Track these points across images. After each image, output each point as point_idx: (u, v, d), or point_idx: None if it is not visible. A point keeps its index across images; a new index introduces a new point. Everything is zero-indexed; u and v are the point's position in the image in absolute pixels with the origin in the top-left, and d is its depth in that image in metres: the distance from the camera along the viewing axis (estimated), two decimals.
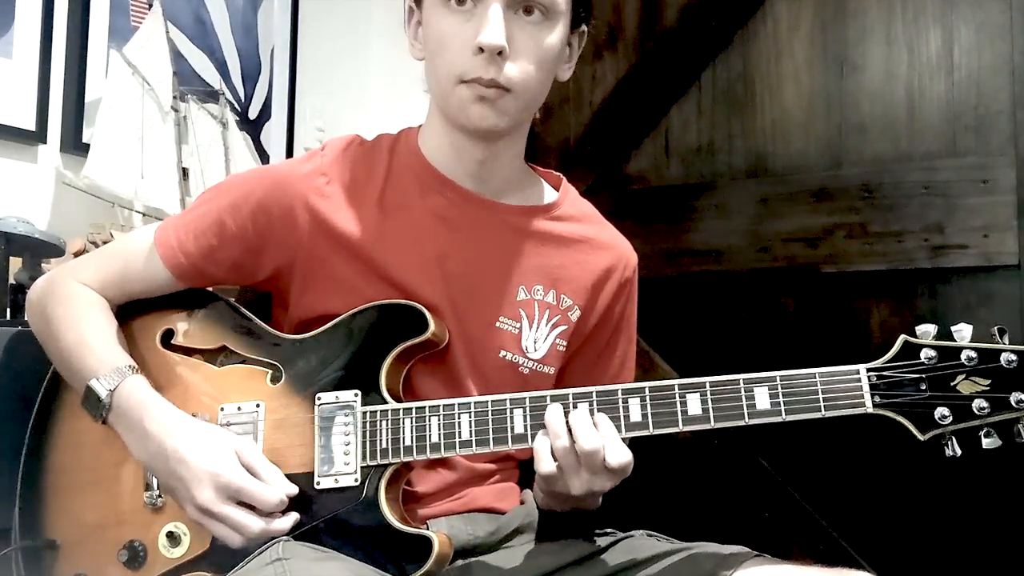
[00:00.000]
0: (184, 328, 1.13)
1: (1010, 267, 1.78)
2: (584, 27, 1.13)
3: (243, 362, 1.10)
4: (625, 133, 2.15)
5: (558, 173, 1.21)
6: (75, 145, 1.80)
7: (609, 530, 1.10)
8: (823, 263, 1.93)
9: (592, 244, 1.17)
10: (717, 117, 2.07)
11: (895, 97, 1.91)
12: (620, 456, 0.93)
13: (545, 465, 0.94)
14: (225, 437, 1.02)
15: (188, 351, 1.12)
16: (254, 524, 0.97)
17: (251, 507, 0.98)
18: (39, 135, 1.75)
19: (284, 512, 1.00)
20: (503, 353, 1.10)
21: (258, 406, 1.05)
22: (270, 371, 1.08)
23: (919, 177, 1.86)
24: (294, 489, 1.00)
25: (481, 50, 0.99)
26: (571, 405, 0.97)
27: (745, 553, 1.01)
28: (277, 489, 0.99)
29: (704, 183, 2.07)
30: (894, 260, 1.87)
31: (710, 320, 2.03)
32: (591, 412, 0.96)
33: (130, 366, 1.06)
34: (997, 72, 1.82)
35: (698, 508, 1.95)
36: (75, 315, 1.11)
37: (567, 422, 0.94)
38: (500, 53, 1.00)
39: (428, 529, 1.01)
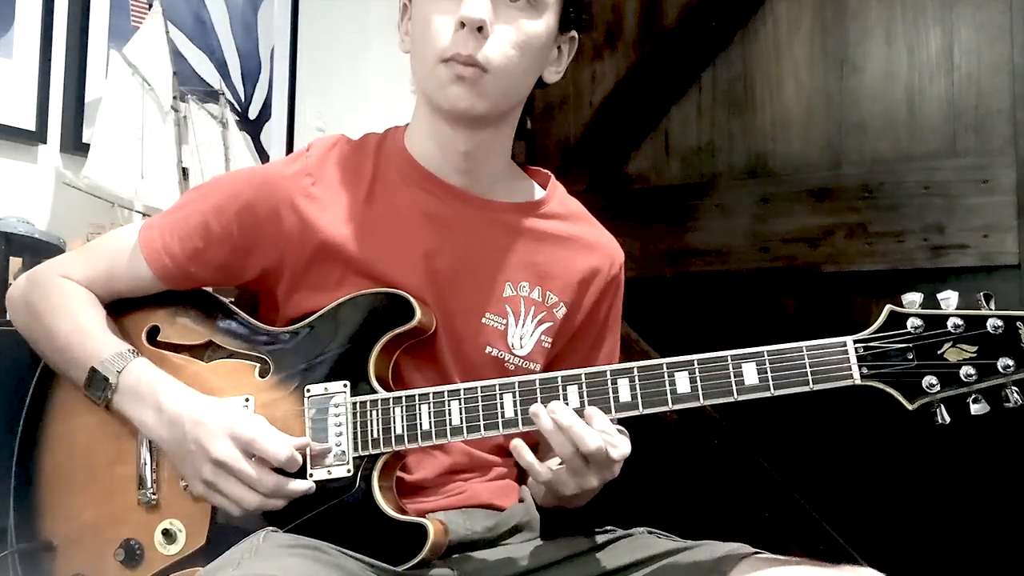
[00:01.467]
0: (170, 324, 1.12)
1: (1010, 267, 1.78)
2: (575, 32, 1.13)
3: (230, 356, 1.10)
4: (625, 133, 2.15)
5: (546, 171, 1.22)
6: (75, 145, 1.80)
7: (610, 528, 1.10)
8: (823, 263, 1.93)
9: (579, 242, 1.17)
10: (717, 117, 2.07)
11: (895, 97, 1.91)
12: (623, 449, 0.95)
13: (543, 474, 0.95)
14: (236, 404, 1.04)
15: (175, 347, 1.12)
16: (268, 479, 0.98)
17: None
18: (39, 135, 1.75)
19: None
20: (489, 349, 1.10)
21: (247, 400, 1.05)
22: (258, 365, 1.08)
23: (919, 177, 1.86)
24: (304, 440, 1.01)
25: (463, 25, 1.00)
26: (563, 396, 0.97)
27: (745, 550, 1.01)
28: (286, 443, 1.00)
29: (704, 183, 2.07)
30: (894, 260, 1.87)
31: (710, 320, 2.03)
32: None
33: (130, 350, 1.07)
34: (997, 72, 1.82)
35: (698, 507, 1.94)
36: (68, 305, 1.11)
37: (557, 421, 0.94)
38: (481, 30, 1.00)
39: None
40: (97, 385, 1.05)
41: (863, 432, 1.76)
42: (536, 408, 0.95)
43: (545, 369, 1.15)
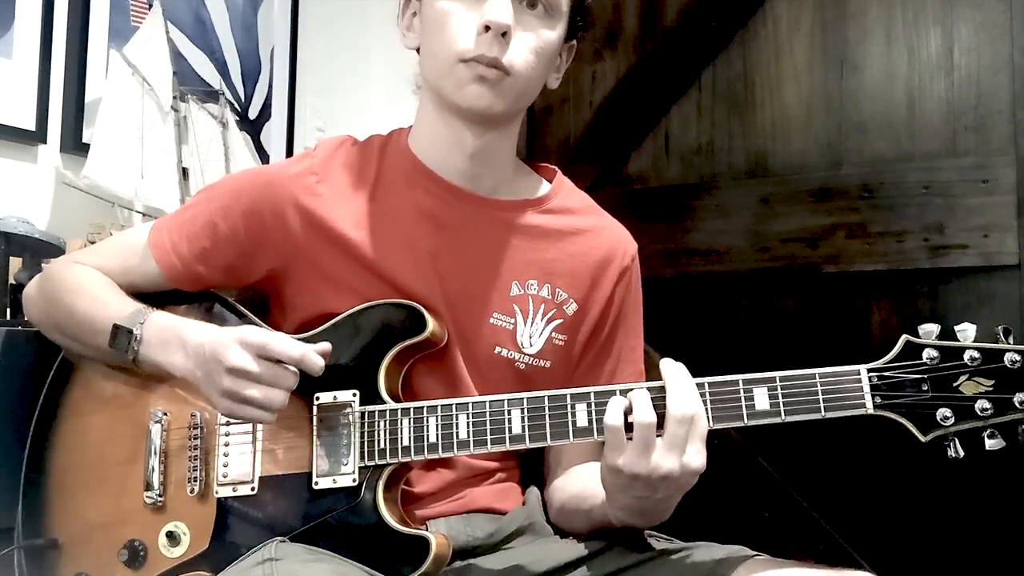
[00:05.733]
0: None
1: (1010, 267, 1.78)
2: (575, 41, 1.14)
3: None
4: (625, 133, 2.15)
5: (553, 167, 1.21)
6: (75, 145, 1.80)
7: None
8: (823, 263, 1.93)
9: (587, 235, 1.16)
10: (717, 117, 2.07)
11: (895, 97, 1.91)
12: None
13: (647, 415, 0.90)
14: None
15: None
16: (286, 374, 0.97)
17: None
18: (39, 135, 1.75)
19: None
20: (498, 349, 1.10)
21: None
22: None
23: (919, 177, 1.86)
24: (325, 345, 1.01)
25: (487, 29, 1.01)
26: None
27: (745, 553, 1.01)
28: (299, 343, 0.99)
29: (704, 183, 2.07)
30: (894, 260, 1.87)
31: (710, 320, 2.03)
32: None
33: (147, 306, 1.08)
34: (997, 72, 1.82)
35: (698, 508, 1.94)
36: (83, 283, 1.12)
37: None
38: (504, 34, 1.01)
39: (427, 530, 1.01)
40: (122, 340, 1.05)
41: (864, 432, 1.77)
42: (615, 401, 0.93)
43: (568, 367, 1.15)
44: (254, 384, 0.97)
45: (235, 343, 0.98)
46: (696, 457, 0.91)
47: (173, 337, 1.04)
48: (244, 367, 0.97)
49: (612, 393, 0.96)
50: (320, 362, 0.99)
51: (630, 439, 0.91)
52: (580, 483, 1.10)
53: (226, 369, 0.97)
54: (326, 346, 1.01)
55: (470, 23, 1.02)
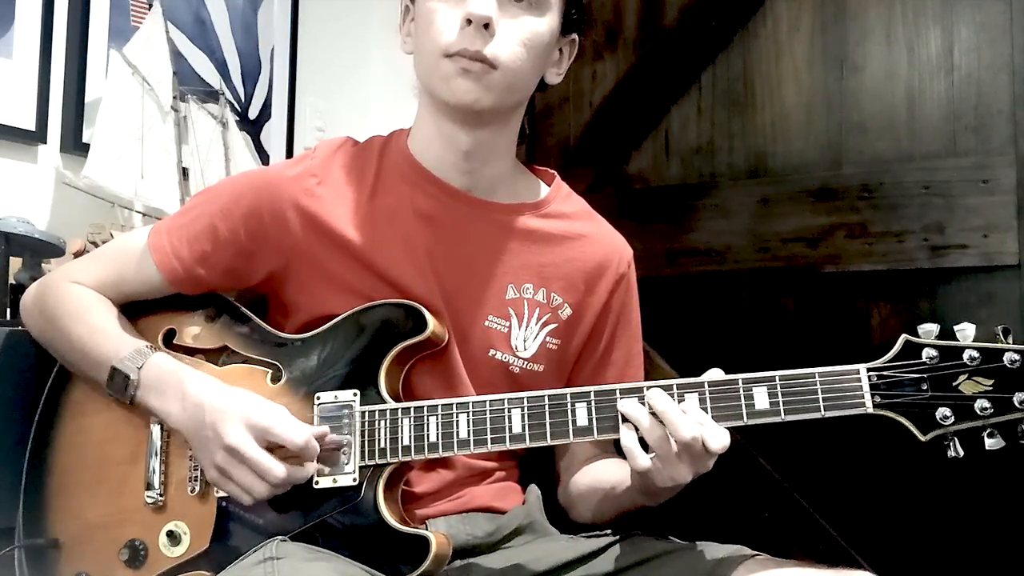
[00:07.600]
0: (186, 328, 1.13)
1: (1010, 267, 1.78)
2: (575, 35, 1.14)
3: (244, 362, 1.11)
4: (625, 133, 2.15)
5: (552, 171, 1.22)
6: (75, 145, 1.80)
7: (608, 530, 1.10)
8: (823, 263, 1.93)
9: (583, 241, 1.17)
10: (717, 117, 2.07)
11: (895, 97, 1.91)
12: (721, 439, 0.91)
13: (641, 461, 0.93)
14: (256, 395, 1.03)
15: (190, 351, 1.13)
16: (278, 470, 0.97)
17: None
18: (39, 135, 1.75)
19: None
20: (493, 352, 1.10)
21: None
22: (270, 371, 1.09)
23: (919, 177, 1.86)
24: (323, 429, 1.01)
25: (469, 22, 1.00)
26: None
27: (745, 553, 1.01)
28: (304, 430, 0.99)
29: (704, 183, 2.06)
30: (894, 260, 1.86)
31: (710, 320, 2.03)
32: (673, 396, 0.93)
33: (148, 346, 1.08)
34: (997, 72, 1.82)
35: (698, 508, 1.94)
36: (80, 308, 1.12)
37: (652, 412, 0.93)
38: (487, 27, 1.01)
39: (427, 529, 1.02)
40: (119, 383, 1.06)
41: (864, 432, 1.77)
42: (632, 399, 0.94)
43: (560, 372, 1.15)
44: (245, 467, 0.97)
45: (239, 420, 0.98)
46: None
47: (173, 385, 1.04)
48: (241, 449, 0.97)
49: (612, 392, 0.96)
50: (317, 452, 0.99)
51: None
52: (610, 476, 1.12)
53: (223, 445, 0.97)
54: (325, 429, 1.01)
55: (454, 18, 1.02)
